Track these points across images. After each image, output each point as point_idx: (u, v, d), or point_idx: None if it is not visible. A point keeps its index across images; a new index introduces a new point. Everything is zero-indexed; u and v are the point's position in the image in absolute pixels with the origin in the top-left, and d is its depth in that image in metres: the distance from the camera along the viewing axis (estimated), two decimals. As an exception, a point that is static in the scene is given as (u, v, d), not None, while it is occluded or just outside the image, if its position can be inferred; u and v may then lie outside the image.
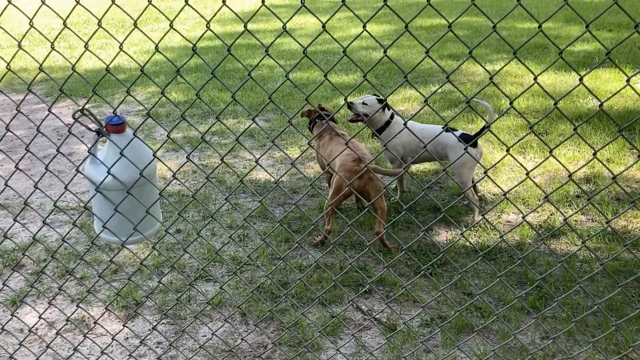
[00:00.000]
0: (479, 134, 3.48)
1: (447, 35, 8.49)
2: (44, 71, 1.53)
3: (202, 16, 1.51)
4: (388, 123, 3.74)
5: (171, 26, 1.43)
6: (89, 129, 1.63)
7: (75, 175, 2.00)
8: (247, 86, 6.94)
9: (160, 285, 3.09)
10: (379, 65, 7.65)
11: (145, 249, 3.48)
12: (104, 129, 1.58)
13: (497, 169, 4.30)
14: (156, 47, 1.45)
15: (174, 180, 4.48)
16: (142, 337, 2.67)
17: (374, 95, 3.83)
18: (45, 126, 6.03)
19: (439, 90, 6.58)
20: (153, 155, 1.57)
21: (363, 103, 3.70)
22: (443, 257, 3.24)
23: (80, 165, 1.67)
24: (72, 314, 2.43)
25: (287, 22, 1.46)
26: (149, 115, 1.53)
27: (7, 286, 2.47)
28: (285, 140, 5.25)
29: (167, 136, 1.52)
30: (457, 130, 3.86)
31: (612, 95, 1.70)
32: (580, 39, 8.09)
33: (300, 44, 1.43)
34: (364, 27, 1.45)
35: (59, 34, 1.81)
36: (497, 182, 4.13)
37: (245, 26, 1.36)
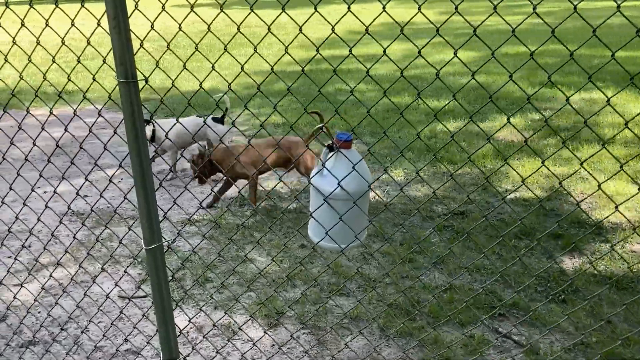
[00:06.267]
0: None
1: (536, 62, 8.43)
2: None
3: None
4: (154, 131, 5.08)
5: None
6: (323, 144, 1.79)
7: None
8: (340, 110, 7.13)
9: (300, 296, 3.23)
10: (470, 92, 7.69)
11: (272, 263, 3.63)
12: (335, 145, 1.74)
13: (611, 198, 4.24)
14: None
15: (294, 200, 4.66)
16: (284, 345, 2.80)
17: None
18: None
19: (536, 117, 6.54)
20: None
21: None
22: (573, 284, 3.24)
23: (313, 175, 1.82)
24: (218, 320, 2.58)
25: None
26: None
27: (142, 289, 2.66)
28: (387, 162, 5.36)
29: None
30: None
31: None
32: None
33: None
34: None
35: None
36: (609, 212, 4.08)
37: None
